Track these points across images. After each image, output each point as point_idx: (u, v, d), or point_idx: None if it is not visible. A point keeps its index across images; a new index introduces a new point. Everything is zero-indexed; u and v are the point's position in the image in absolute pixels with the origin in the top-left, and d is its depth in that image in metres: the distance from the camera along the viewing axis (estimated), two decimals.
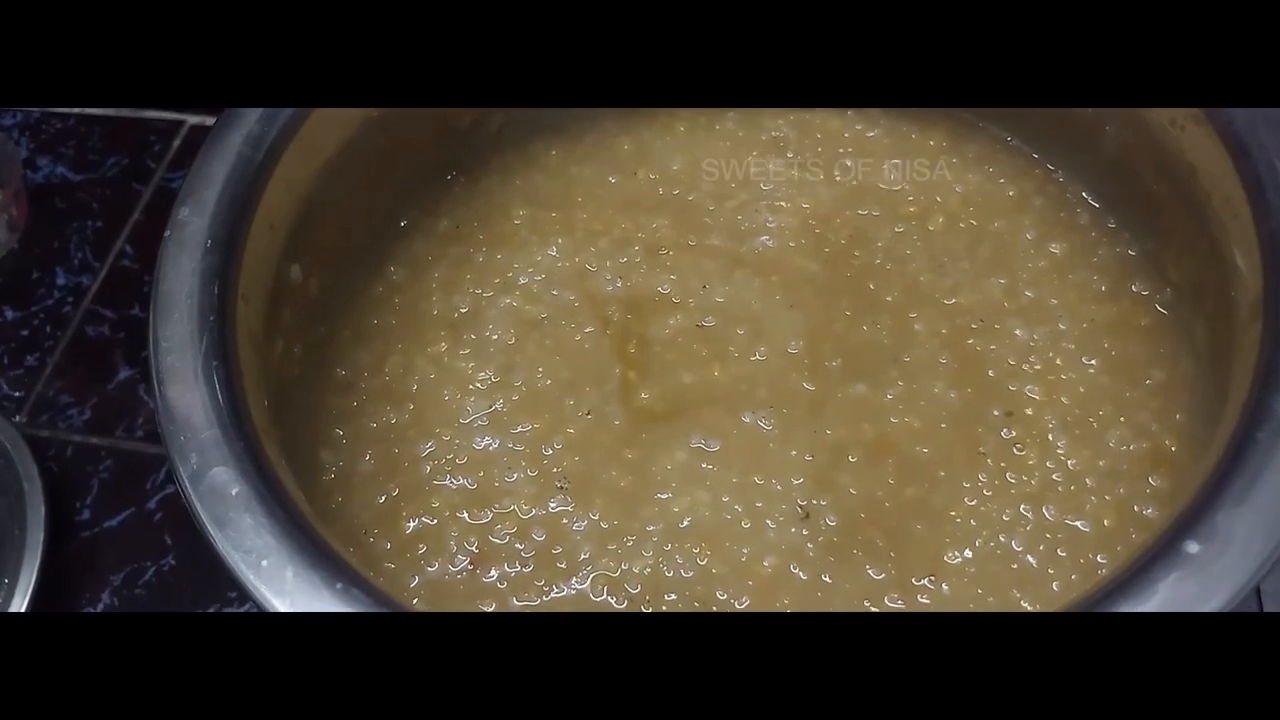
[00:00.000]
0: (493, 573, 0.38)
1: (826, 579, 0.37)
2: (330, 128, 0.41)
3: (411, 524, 0.40)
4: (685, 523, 0.39)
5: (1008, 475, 0.39)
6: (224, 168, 0.37)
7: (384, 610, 0.30)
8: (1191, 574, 0.29)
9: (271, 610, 0.30)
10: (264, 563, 0.31)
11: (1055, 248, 0.44)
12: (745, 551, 0.38)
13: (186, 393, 0.33)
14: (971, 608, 0.36)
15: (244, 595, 0.31)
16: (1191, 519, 0.30)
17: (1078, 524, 0.38)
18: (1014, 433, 0.40)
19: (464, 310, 0.45)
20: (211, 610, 0.45)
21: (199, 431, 0.33)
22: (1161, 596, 0.29)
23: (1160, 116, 0.40)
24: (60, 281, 0.56)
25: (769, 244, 0.46)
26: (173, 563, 0.47)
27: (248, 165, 0.38)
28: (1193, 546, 0.29)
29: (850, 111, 0.48)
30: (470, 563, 0.38)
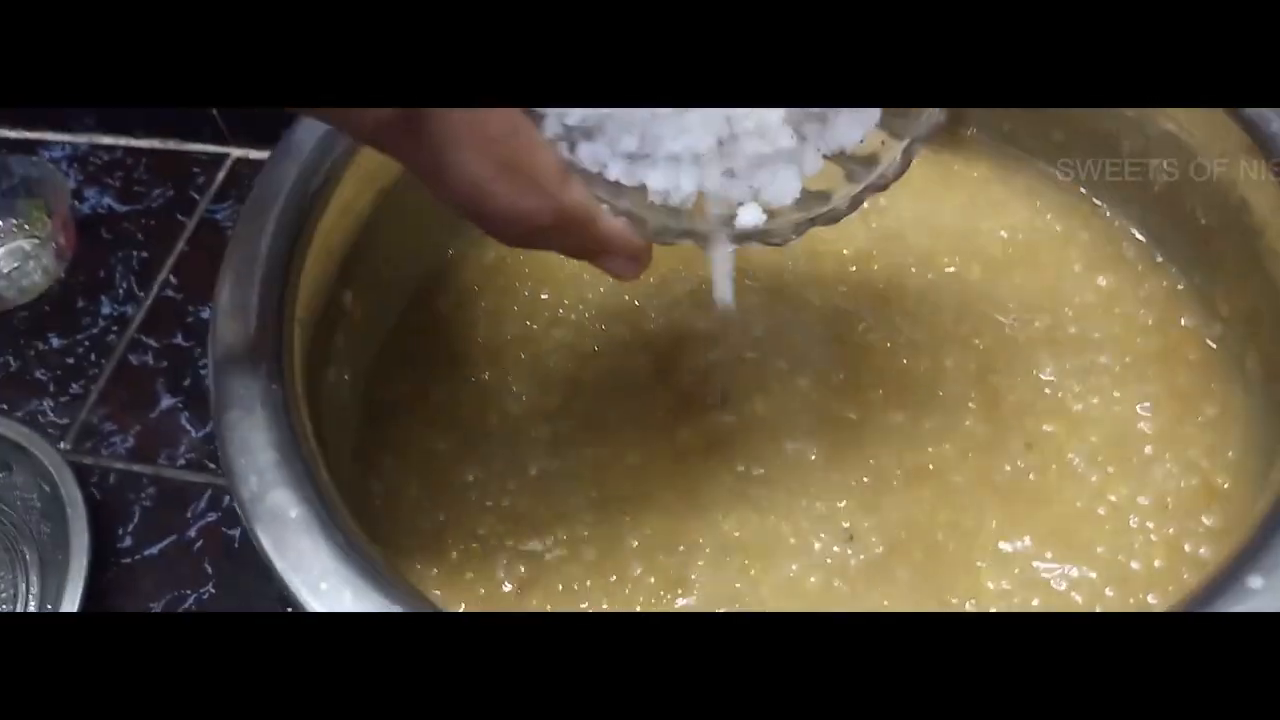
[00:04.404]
0: (540, 596, 0.38)
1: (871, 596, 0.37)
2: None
3: (457, 551, 0.40)
4: (735, 535, 0.39)
5: (1048, 510, 0.39)
6: (281, 194, 0.38)
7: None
8: (1254, 610, 0.28)
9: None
10: (323, 585, 0.31)
11: (1102, 280, 0.44)
12: (794, 568, 0.38)
13: (246, 415, 0.33)
14: None
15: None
16: (1253, 551, 0.29)
17: (1128, 562, 0.37)
18: (1055, 467, 0.40)
19: (510, 339, 0.45)
20: None
21: (258, 454, 0.33)
22: None
23: (1210, 150, 0.40)
24: (105, 310, 0.56)
25: (808, 280, 0.45)
26: (213, 591, 0.46)
27: (304, 191, 0.38)
28: (1255, 581, 0.29)
29: None
30: (517, 586, 0.39)
